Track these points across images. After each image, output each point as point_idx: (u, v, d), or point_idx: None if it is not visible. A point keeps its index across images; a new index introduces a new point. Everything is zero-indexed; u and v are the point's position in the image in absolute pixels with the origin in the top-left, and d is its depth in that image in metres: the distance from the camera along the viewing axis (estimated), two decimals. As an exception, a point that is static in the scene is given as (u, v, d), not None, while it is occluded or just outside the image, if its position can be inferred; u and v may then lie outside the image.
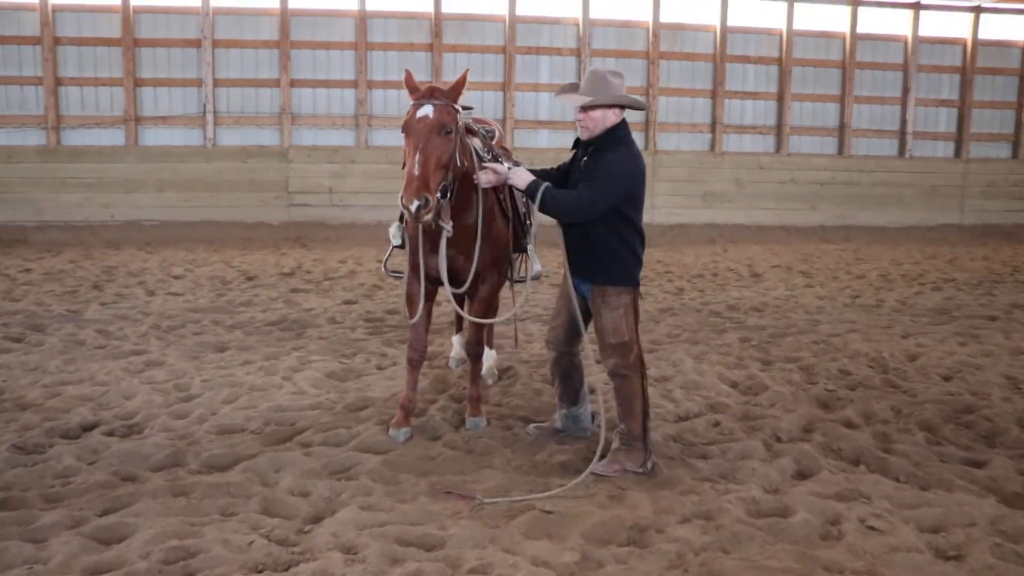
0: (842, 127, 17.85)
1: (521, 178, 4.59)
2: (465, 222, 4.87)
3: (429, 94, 4.52)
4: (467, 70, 4.81)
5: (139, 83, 15.65)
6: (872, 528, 3.89)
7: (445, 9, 16.49)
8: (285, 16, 15.90)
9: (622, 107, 4.56)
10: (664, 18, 17.03)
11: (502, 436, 5.13)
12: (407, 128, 4.45)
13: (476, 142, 5.36)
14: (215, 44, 15.78)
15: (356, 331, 8.00)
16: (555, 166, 4.97)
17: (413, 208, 4.23)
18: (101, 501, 4.14)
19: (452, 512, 4.03)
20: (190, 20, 15.72)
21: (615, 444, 4.68)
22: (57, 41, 15.29)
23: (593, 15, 16.86)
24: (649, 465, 4.58)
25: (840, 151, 17.93)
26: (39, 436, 5.02)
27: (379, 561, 3.53)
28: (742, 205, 17.36)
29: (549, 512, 4.01)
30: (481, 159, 5.15)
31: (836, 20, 17.68)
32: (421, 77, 16.97)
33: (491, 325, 6.50)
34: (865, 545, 3.73)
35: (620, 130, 4.55)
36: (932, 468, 4.66)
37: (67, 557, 3.57)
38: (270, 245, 14.12)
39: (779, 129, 17.66)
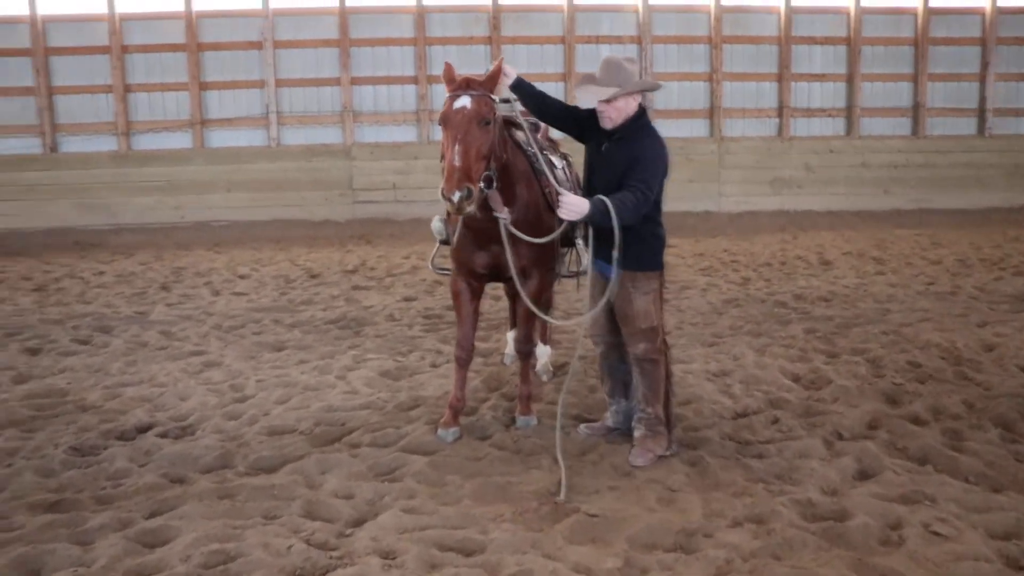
0: (916, 107, 17.16)
1: (578, 207, 4.23)
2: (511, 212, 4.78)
3: (465, 85, 4.45)
4: (501, 59, 4.70)
5: (204, 86, 15.97)
6: (936, 534, 3.66)
7: (503, 1, 16.41)
8: (344, 15, 16.02)
9: (641, 92, 4.53)
10: (726, 1, 16.63)
11: (552, 435, 5.00)
12: (445, 120, 4.38)
13: (520, 135, 5.28)
14: (276, 45, 15.99)
15: (413, 328, 7.98)
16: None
17: (456, 199, 4.16)
18: (149, 503, 4.17)
19: (494, 516, 3.95)
20: (252, 23, 15.96)
21: (639, 432, 4.64)
22: (125, 49, 15.71)
23: (653, 1, 16.56)
24: (675, 447, 4.61)
25: (915, 132, 17.24)
26: (95, 438, 5.11)
27: (417, 566, 3.46)
28: (812, 191, 16.87)
29: (594, 516, 3.89)
30: (524, 152, 5.07)
31: (907, -5, 17.03)
32: (481, 70, 16.83)
33: (545, 321, 6.40)
34: (928, 552, 3.51)
35: (643, 117, 4.52)
36: (1006, 468, 4.39)
37: (111, 560, 3.60)
38: (336, 243, 14.23)
39: (849, 111, 17.08)
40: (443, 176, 4.25)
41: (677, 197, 16.47)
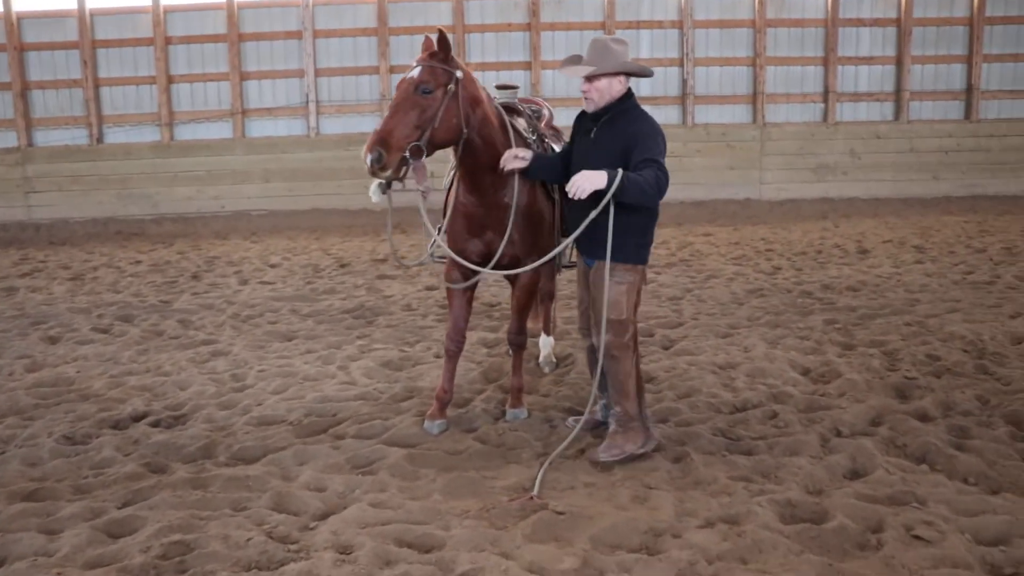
0: (969, 89, 16.48)
1: (594, 179, 3.98)
2: (498, 199, 4.69)
3: (427, 57, 4.37)
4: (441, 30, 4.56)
5: (244, 76, 16.12)
6: (918, 537, 3.47)
7: (542, -13, 16.25)
8: (382, 3, 16.01)
9: (628, 75, 4.35)
10: (770, -17, 16.19)
11: (539, 429, 4.92)
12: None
13: (521, 122, 5.18)
14: (315, 35, 16.06)
15: (427, 318, 7.92)
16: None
17: (368, 161, 4.16)
18: (124, 493, 4.18)
19: (461, 512, 3.86)
20: (291, 12, 16.05)
21: (612, 427, 4.47)
22: (168, 41, 15.93)
23: (695, -15, 16.21)
24: (651, 444, 4.43)
25: (967, 115, 16.57)
26: (90, 426, 5.16)
27: (369, 562, 3.40)
28: (858, 177, 16.36)
29: (561, 513, 3.78)
30: (525, 139, 4.97)
31: (962, -27, 16.35)
32: (519, 58, 16.93)
33: (547, 312, 6.29)
34: (904, 557, 3.33)
35: (629, 100, 4.35)
36: (1008, 469, 4.15)
37: (73, 549, 3.60)
38: (371, 232, 14.26)
39: (898, 95, 16.49)
40: None
41: (717, 184, 16.24)
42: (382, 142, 4.17)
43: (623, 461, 4.34)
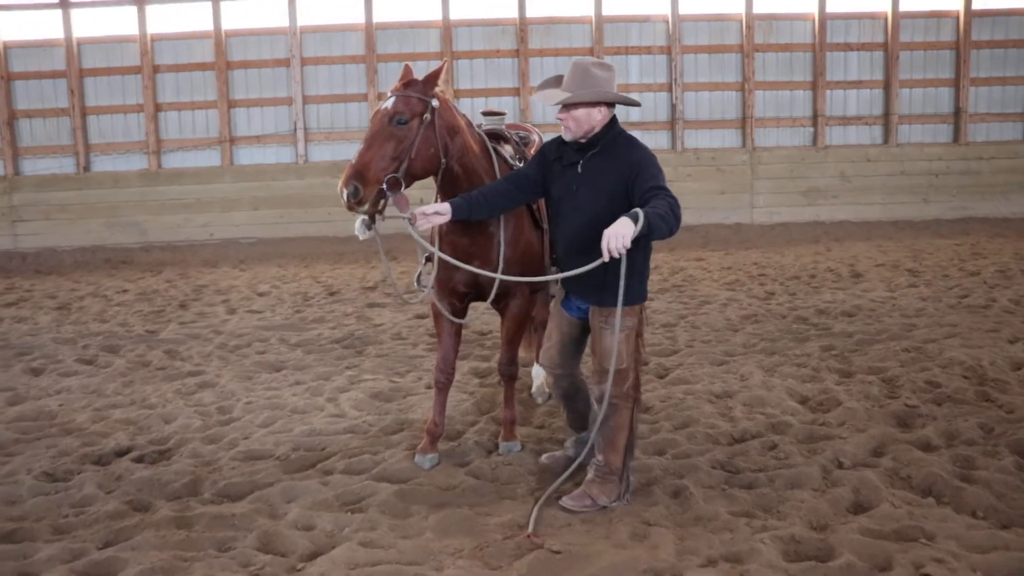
0: (958, 112, 16.54)
1: (623, 234, 3.57)
2: (483, 229, 4.59)
3: (402, 87, 4.29)
4: (445, 61, 4.53)
5: (232, 104, 16.08)
6: None
7: (530, 13, 16.28)
8: (370, 31, 16.01)
9: (610, 104, 4.09)
10: (758, 9, 16.25)
11: (533, 463, 4.79)
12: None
13: (508, 149, 5.10)
14: (303, 62, 16.05)
15: (417, 347, 7.80)
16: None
17: (344, 196, 4.08)
18: (105, 533, 4.03)
19: (454, 550, 3.73)
20: (279, 40, 16.04)
21: (589, 475, 4.24)
22: (156, 69, 15.89)
23: (683, 11, 16.26)
24: (626, 499, 4.17)
25: (956, 138, 16.61)
26: (71, 462, 5.00)
27: (359, 607, 3.26)
28: (848, 200, 16.37)
29: (557, 552, 3.65)
30: (510, 166, 4.89)
31: (947, -2, 16.47)
32: (508, 84, 16.92)
33: (540, 340, 6.18)
34: (916, 597, 3.21)
35: (615, 128, 4.11)
36: (1018, 501, 4.03)
37: (50, 596, 3.46)
38: (360, 259, 14.15)
39: (887, 119, 16.53)
40: None
41: (708, 208, 16.20)
42: (358, 176, 4.08)
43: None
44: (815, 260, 12.47)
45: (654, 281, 10.99)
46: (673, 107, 16.45)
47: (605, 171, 4.05)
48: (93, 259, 14.79)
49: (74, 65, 15.77)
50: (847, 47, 16.42)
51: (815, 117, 16.50)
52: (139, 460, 5.04)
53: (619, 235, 3.55)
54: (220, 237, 15.91)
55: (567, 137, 4.11)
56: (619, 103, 4.12)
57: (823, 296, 9.59)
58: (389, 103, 4.26)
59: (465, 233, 4.57)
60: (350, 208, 4.14)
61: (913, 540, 3.67)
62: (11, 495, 4.53)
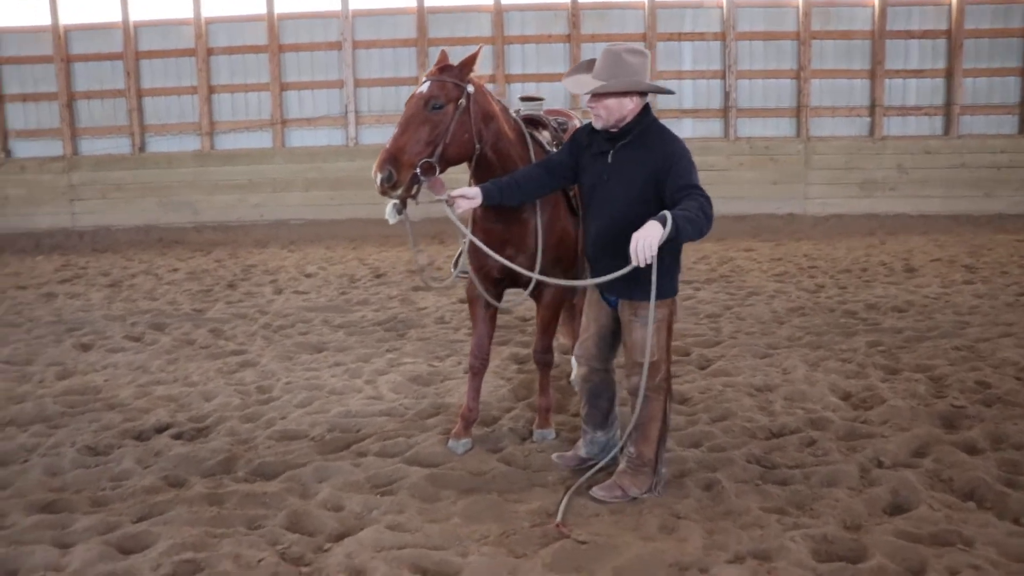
0: (1024, 103, 16.03)
1: (652, 241, 3.54)
2: (517, 215, 4.55)
3: (437, 72, 4.26)
4: (480, 47, 4.47)
5: (285, 87, 16.23)
6: (963, 582, 3.25)
7: (583, -2, 16.14)
8: (422, 14, 16.02)
9: (643, 93, 3.98)
10: (817, -6, 15.90)
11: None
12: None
13: (545, 135, 5.05)
14: (355, 45, 16.12)
15: (459, 332, 7.80)
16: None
17: (378, 181, 4.08)
18: (140, 507, 4.11)
19: (480, 536, 3.72)
20: (331, 24, 16.13)
21: (621, 465, 4.20)
22: (210, 52, 16.10)
23: (739, -4, 15.99)
24: (657, 491, 4.13)
25: (1021, 130, 16.06)
26: (113, 437, 5.11)
27: (382, 589, 3.27)
28: (905, 193, 15.94)
29: (583, 542, 3.62)
30: (546, 152, 4.84)
31: (1018, -17, 15.87)
32: (559, 69, 16.79)
33: (577, 329, 6.13)
34: (949, 603, 3.12)
35: (648, 116, 4.01)
36: (1064, 508, 3.90)
37: (84, 564, 3.53)
38: (408, 242, 14.18)
39: (948, 109, 16.04)
40: None
41: (760, 198, 15.94)
42: (393, 160, 4.07)
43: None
44: (868, 253, 12.18)
45: (701, 271, 10.86)
46: (726, 95, 16.18)
47: (636, 162, 3.96)
48: (147, 238, 15.08)
49: (131, 47, 16.06)
50: (908, 34, 15.95)
51: (872, 107, 16.10)
52: (178, 437, 5.13)
53: (647, 243, 3.52)
54: (271, 218, 16.10)
55: (597, 125, 4.03)
56: (650, 92, 4.01)
57: (874, 290, 9.36)
58: (424, 87, 4.23)
59: (499, 219, 4.54)
60: (383, 192, 4.13)
61: (950, 545, 3.56)
62: (54, 467, 4.65)
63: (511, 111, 4.80)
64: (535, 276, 4.43)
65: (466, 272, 5.17)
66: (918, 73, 16.08)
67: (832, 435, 4.89)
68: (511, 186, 4.29)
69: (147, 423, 5.34)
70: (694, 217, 3.60)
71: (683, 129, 16.27)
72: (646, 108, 4.02)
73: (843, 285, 9.80)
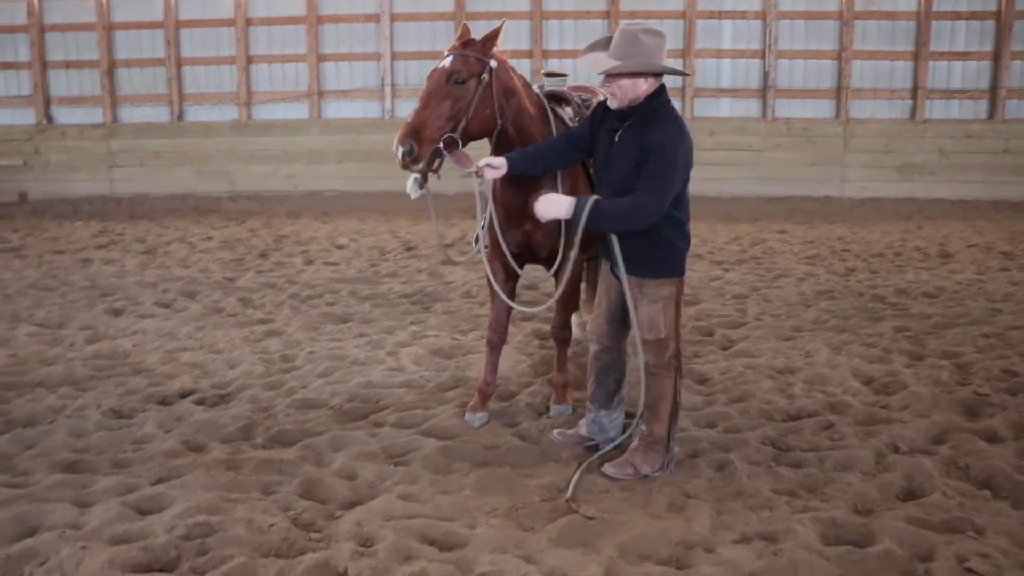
0: (1074, 88, 15.60)
1: (558, 207, 3.95)
2: (536, 189, 4.53)
3: (459, 46, 4.24)
4: (503, 22, 4.45)
5: (322, 58, 16.31)
6: (970, 571, 3.22)
7: (623, -26, 15.97)
8: (460, -13, 15.96)
9: (657, 74, 3.95)
10: (861, -26, 15.58)
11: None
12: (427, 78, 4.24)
13: (568, 111, 5.02)
14: (393, 18, 16.13)
15: (484, 306, 7.81)
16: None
17: (399, 155, 4.10)
18: (159, 470, 4.21)
19: (489, 509, 3.76)
20: (370, -5, 16.15)
21: (633, 443, 4.22)
22: (249, 22, 16.20)
23: (781, -26, 15.71)
24: (669, 470, 4.13)
25: (1070, 116, 15.70)
26: (137, 401, 5.22)
27: (388, 557, 3.32)
28: (946, 177, 15.64)
29: (591, 518, 3.64)
30: (568, 127, 4.81)
31: (1073, -38, 15.40)
32: (597, 45, 16.60)
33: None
34: (954, 591, 3.10)
35: (658, 99, 3.96)
36: (1081, 499, 3.84)
37: (101, 524, 3.62)
38: (441, 216, 14.15)
39: (993, 92, 15.66)
40: None
41: (796, 180, 15.73)
42: (414, 134, 4.08)
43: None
44: (903, 238, 11.99)
45: (732, 251, 10.77)
46: (765, 74, 15.95)
47: (634, 145, 3.94)
48: (183, 206, 15.27)
49: (171, 16, 16.21)
50: (956, 15, 15.58)
51: (915, 89, 15.77)
52: (200, 402, 5.22)
53: (547, 205, 3.96)
54: (305, 189, 16.23)
55: (612, 105, 4.03)
56: (665, 73, 3.97)
57: (906, 275, 9.23)
58: (447, 62, 4.22)
59: (519, 194, 4.54)
60: (404, 166, 4.16)
61: (961, 532, 3.53)
62: (79, 428, 4.76)
63: (534, 87, 4.78)
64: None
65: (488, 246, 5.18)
66: (964, 55, 15.71)
67: (850, 419, 4.85)
68: (535, 156, 4.30)
69: (171, 388, 5.44)
70: (620, 213, 3.85)
71: (720, 108, 16.11)
72: (659, 90, 3.98)
73: (875, 269, 9.67)
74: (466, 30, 4.33)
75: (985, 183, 15.55)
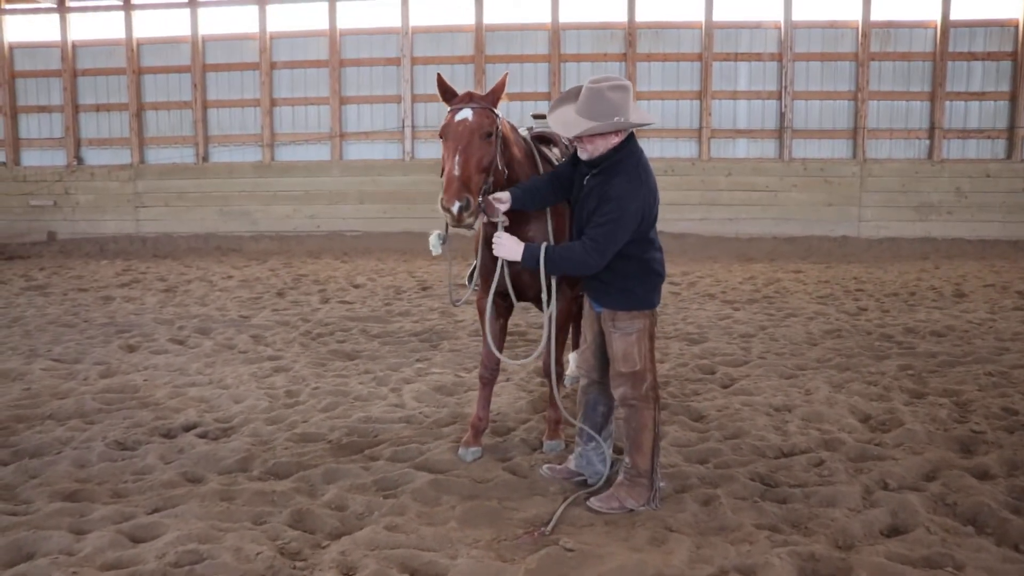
0: (1092, 128, 15.57)
1: (511, 250, 4.16)
2: (529, 234, 4.64)
3: (468, 99, 4.36)
4: (506, 74, 4.59)
5: (344, 101, 16.67)
6: (944, 604, 3.23)
7: (639, 18, 16.23)
8: (480, 32, 16.28)
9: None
10: (876, 16, 15.72)
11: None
12: (445, 132, 4.30)
13: (555, 151, 5.15)
14: (414, 61, 16.47)
15: (491, 344, 7.90)
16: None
17: (455, 209, 4.09)
18: (156, 500, 4.30)
19: (472, 541, 3.81)
20: (391, 40, 16.52)
21: (619, 478, 4.26)
22: (273, 66, 16.62)
23: (796, 16, 15.91)
24: (654, 504, 4.16)
25: (1088, 156, 15.64)
26: (142, 433, 5.33)
27: (368, 586, 3.38)
28: (963, 217, 15.63)
29: (570, 550, 3.68)
30: (555, 166, 4.93)
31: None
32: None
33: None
34: (925, 625, 3.10)
35: (623, 150, 4.08)
36: (1067, 536, 3.83)
37: (95, 550, 3.71)
38: (458, 256, 14.31)
39: (1011, 132, 15.69)
40: (443, 188, 4.17)
41: (813, 220, 15.77)
42: (467, 188, 4.13)
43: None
44: (919, 277, 11.98)
45: (744, 291, 10.81)
46: (782, 115, 16.07)
47: (594, 194, 4.08)
48: (205, 246, 15.58)
49: (198, 61, 16.68)
50: (971, 56, 15.67)
51: (932, 129, 15.82)
52: (203, 435, 5.33)
53: (504, 247, 4.17)
54: (326, 229, 16.51)
55: (584, 157, 4.15)
56: (629, 129, 4.07)
57: (917, 315, 9.21)
58: (469, 115, 4.27)
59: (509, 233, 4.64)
60: (459, 222, 4.16)
61: (939, 568, 3.53)
62: (82, 459, 4.88)
63: (521, 130, 4.91)
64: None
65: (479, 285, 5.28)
66: (980, 95, 15.77)
67: (842, 456, 4.85)
68: (532, 192, 4.43)
69: (176, 422, 5.56)
70: (567, 258, 4.06)
71: (737, 150, 16.22)
72: (627, 139, 4.09)
73: (886, 309, 9.66)
74: (442, 79, 4.46)
75: (1003, 222, 15.52)
